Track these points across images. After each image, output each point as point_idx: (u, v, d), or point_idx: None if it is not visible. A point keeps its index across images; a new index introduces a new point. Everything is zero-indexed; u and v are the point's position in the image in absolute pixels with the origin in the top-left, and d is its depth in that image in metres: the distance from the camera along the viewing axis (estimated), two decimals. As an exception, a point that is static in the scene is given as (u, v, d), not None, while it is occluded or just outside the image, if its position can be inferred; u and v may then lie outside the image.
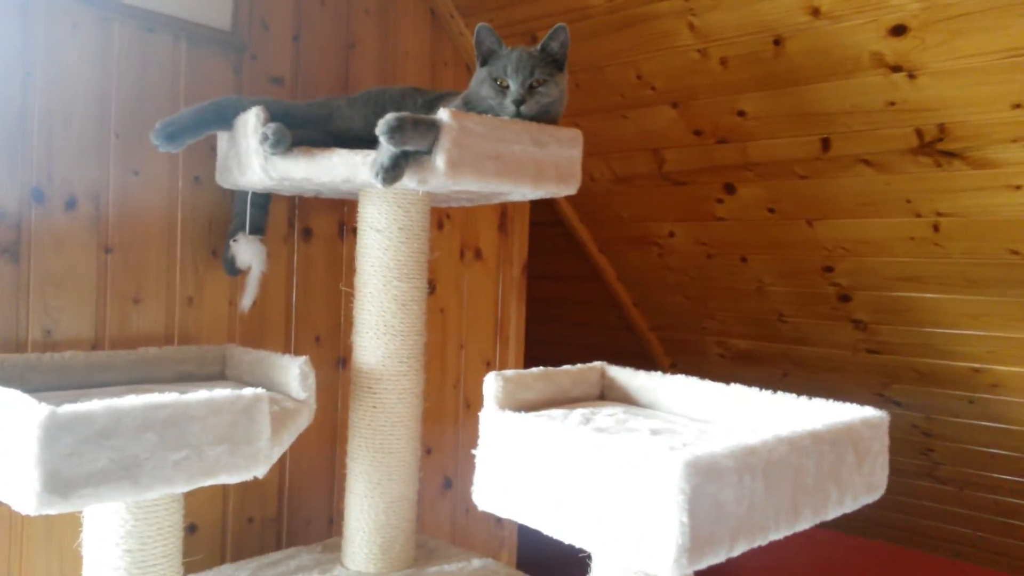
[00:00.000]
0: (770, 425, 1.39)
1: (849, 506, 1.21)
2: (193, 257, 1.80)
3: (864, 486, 1.23)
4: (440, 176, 1.42)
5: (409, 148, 1.40)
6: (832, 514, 1.18)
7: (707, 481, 0.95)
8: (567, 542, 1.11)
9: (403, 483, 1.69)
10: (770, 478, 1.04)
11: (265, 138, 1.49)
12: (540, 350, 3.40)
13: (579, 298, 3.21)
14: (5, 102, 1.53)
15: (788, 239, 2.34)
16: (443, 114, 1.41)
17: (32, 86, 1.56)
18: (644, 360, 3.17)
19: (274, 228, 1.93)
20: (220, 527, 1.86)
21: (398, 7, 2.18)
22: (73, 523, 1.57)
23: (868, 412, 1.28)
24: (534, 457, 1.17)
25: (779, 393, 1.41)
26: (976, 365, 2.29)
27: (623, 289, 2.98)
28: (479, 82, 1.56)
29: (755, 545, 1.04)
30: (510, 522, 2.56)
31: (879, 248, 2.18)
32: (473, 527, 2.46)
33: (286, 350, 1.98)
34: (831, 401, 1.36)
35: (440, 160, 1.41)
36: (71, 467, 1.08)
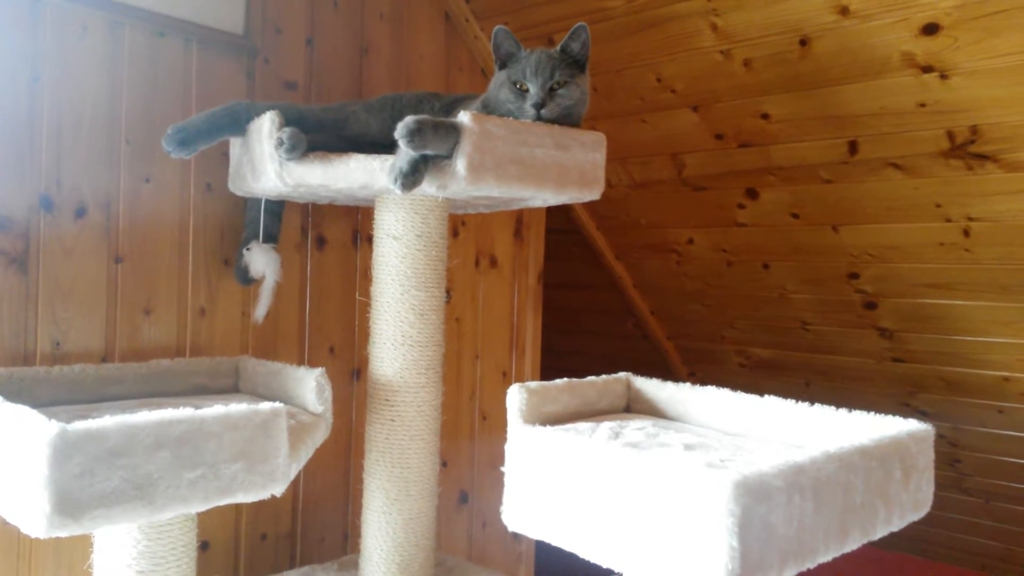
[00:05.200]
0: (807, 439, 1.33)
1: (896, 524, 1.15)
2: (205, 266, 1.75)
3: (911, 503, 1.17)
4: (461, 181, 1.37)
5: (429, 152, 1.35)
6: (879, 533, 1.12)
7: (757, 502, 0.89)
8: (603, 565, 1.06)
9: (422, 499, 1.63)
10: (819, 497, 0.98)
11: (280, 143, 1.44)
12: (555, 360, 3.35)
13: (595, 306, 3.15)
14: (13, 108, 1.48)
15: (812, 245, 2.28)
16: (464, 117, 1.36)
17: (40, 91, 1.51)
18: (661, 370, 3.11)
19: (287, 236, 1.88)
20: (233, 544, 1.81)
21: (412, 11, 2.14)
22: (83, 544, 1.52)
23: (913, 425, 1.22)
24: (565, 475, 1.11)
25: (816, 405, 1.35)
26: (1006, 374, 2.23)
27: (640, 297, 2.93)
28: (498, 86, 1.51)
29: (804, 568, 0.98)
30: (527, 537, 2.50)
31: (907, 254, 2.12)
32: (490, 542, 2.40)
33: (299, 361, 1.93)
34: (871, 413, 1.30)
35: (461, 164, 1.36)
36: (82, 488, 1.02)
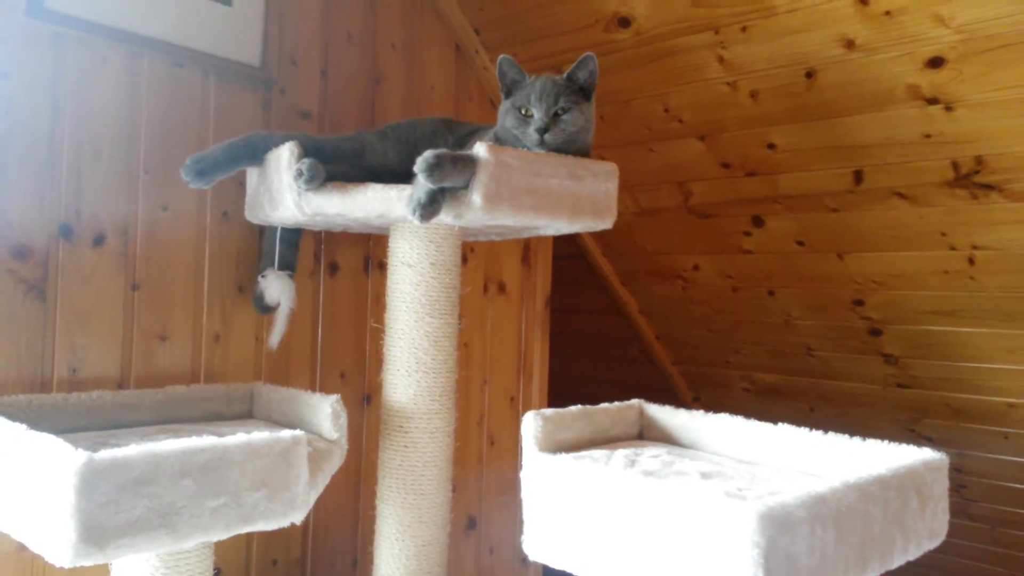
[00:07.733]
0: (820, 467, 1.34)
1: (913, 553, 1.16)
2: (220, 293, 1.76)
3: (927, 532, 1.18)
4: (477, 211, 1.39)
5: (447, 185, 1.38)
6: (897, 563, 1.13)
7: (781, 533, 0.90)
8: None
9: (434, 526, 1.64)
10: (840, 527, 0.99)
11: (300, 174, 1.46)
12: (560, 384, 3.36)
13: (600, 331, 3.17)
14: (34, 137, 1.50)
15: (818, 272, 2.30)
16: (480, 149, 1.39)
17: (61, 121, 1.54)
18: (666, 395, 3.12)
19: (299, 263, 1.89)
20: (244, 571, 1.81)
21: (424, 42, 2.17)
22: (100, 571, 1.52)
23: (928, 454, 1.23)
24: (584, 504, 1.12)
25: (829, 434, 1.36)
26: (1011, 400, 2.24)
27: (646, 323, 2.94)
28: (504, 113, 1.54)
29: (824, 598, 0.99)
30: (535, 563, 2.49)
31: (912, 281, 2.14)
32: (498, 568, 2.40)
33: (311, 387, 1.94)
34: (880, 440, 1.32)
35: (477, 195, 1.38)
36: (107, 516, 1.03)
